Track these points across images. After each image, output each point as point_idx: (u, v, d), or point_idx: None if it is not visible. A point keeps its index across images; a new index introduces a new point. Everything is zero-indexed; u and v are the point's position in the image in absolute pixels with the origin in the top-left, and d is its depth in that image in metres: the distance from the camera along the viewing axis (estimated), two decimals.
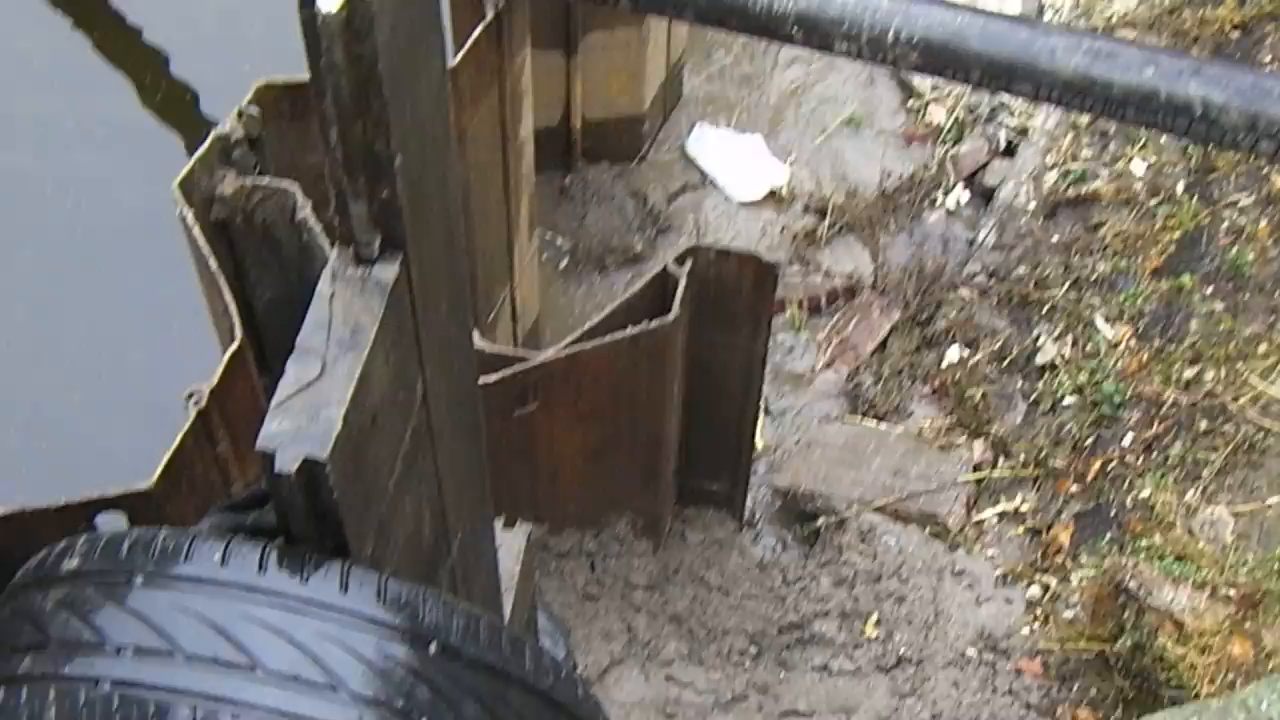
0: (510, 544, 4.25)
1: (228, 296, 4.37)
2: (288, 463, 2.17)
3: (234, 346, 4.35)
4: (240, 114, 4.75)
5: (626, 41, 8.43)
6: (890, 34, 5.40)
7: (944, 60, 5.38)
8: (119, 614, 2.31)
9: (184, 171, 4.53)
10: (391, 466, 2.56)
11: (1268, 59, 8.43)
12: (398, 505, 2.64)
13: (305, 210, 4.39)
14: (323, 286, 2.36)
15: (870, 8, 5.44)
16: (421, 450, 2.73)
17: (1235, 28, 8.88)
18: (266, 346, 4.68)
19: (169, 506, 4.08)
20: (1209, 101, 5.01)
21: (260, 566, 2.35)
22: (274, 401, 2.25)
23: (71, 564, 2.43)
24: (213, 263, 4.41)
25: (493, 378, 5.52)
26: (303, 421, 2.21)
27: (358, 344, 2.29)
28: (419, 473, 2.75)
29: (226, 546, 2.36)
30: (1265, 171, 7.69)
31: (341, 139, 2.17)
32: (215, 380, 4.31)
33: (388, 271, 2.35)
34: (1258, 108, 4.96)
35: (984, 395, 7.93)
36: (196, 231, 4.49)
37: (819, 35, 5.54)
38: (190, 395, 4.27)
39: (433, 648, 2.42)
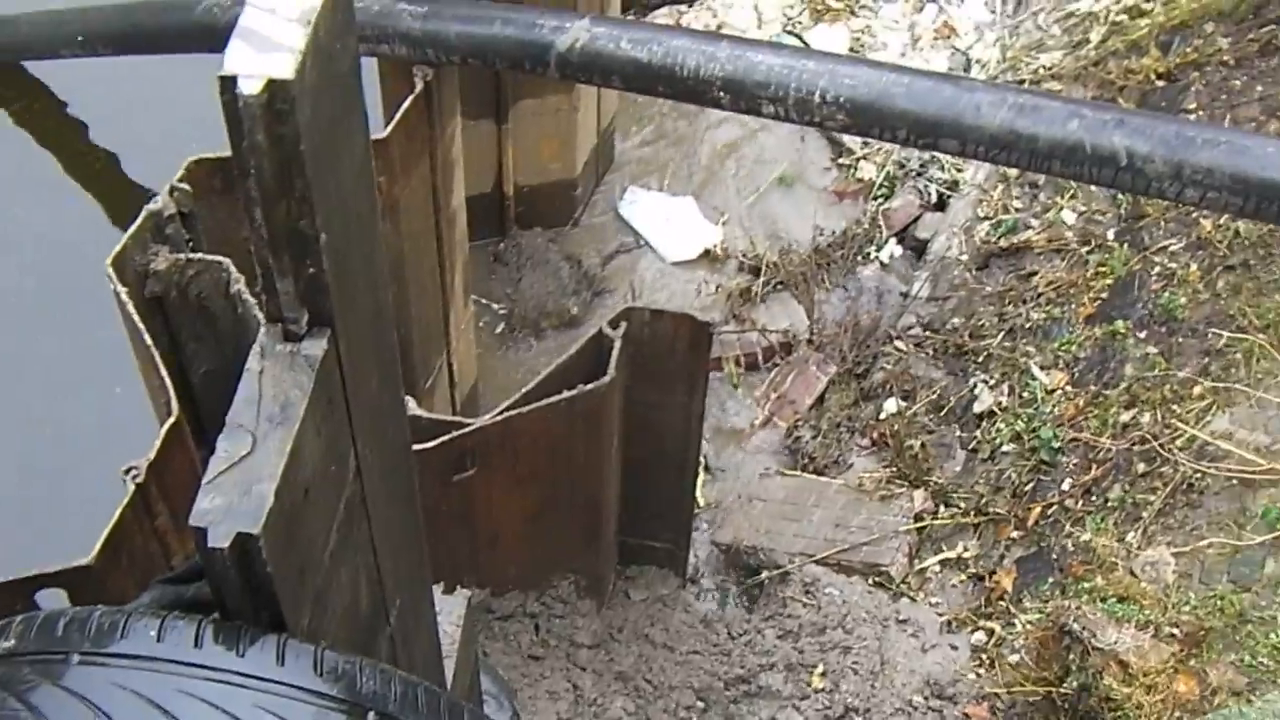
0: (450, 609, 4.25)
1: (163, 371, 4.38)
2: (220, 538, 2.19)
3: (171, 420, 4.36)
4: (172, 190, 4.77)
5: (557, 108, 8.48)
6: (816, 95, 5.48)
7: (870, 119, 5.46)
8: (56, 693, 2.31)
9: (117, 248, 4.55)
10: (326, 538, 2.58)
11: (1192, 106, 8.54)
12: (334, 576, 2.66)
13: (239, 284, 4.40)
14: (252, 363, 2.38)
15: (796, 70, 5.51)
16: (356, 521, 2.75)
17: (1160, 77, 8.99)
18: (204, 419, 4.68)
19: (109, 581, 4.09)
20: (1134, 151, 5.10)
21: (196, 642, 2.35)
22: (205, 478, 2.27)
23: (7, 644, 2.43)
24: (147, 338, 4.42)
25: (430, 444, 5.54)
26: (235, 497, 2.23)
27: (288, 419, 2.31)
28: (354, 543, 2.77)
29: (162, 623, 2.37)
30: (1194, 216, 7.78)
31: (266, 218, 2.19)
32: (153, 454, 4.32)
33: (316, 347, 2.37)
34: (1181, 156, 5.05)
35: (923, 445, 7.98)
36: (131, 308, 4.50)
37: (746, 99, 5.62)
38: (128, 470, 4.29)
39: (371, 717, 2.43)
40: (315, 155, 2.16)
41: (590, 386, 5.75)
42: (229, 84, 2.07)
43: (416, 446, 5.14)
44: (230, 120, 2.11)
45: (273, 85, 2.05)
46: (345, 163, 2.34)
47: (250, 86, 2.05)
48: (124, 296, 4.49)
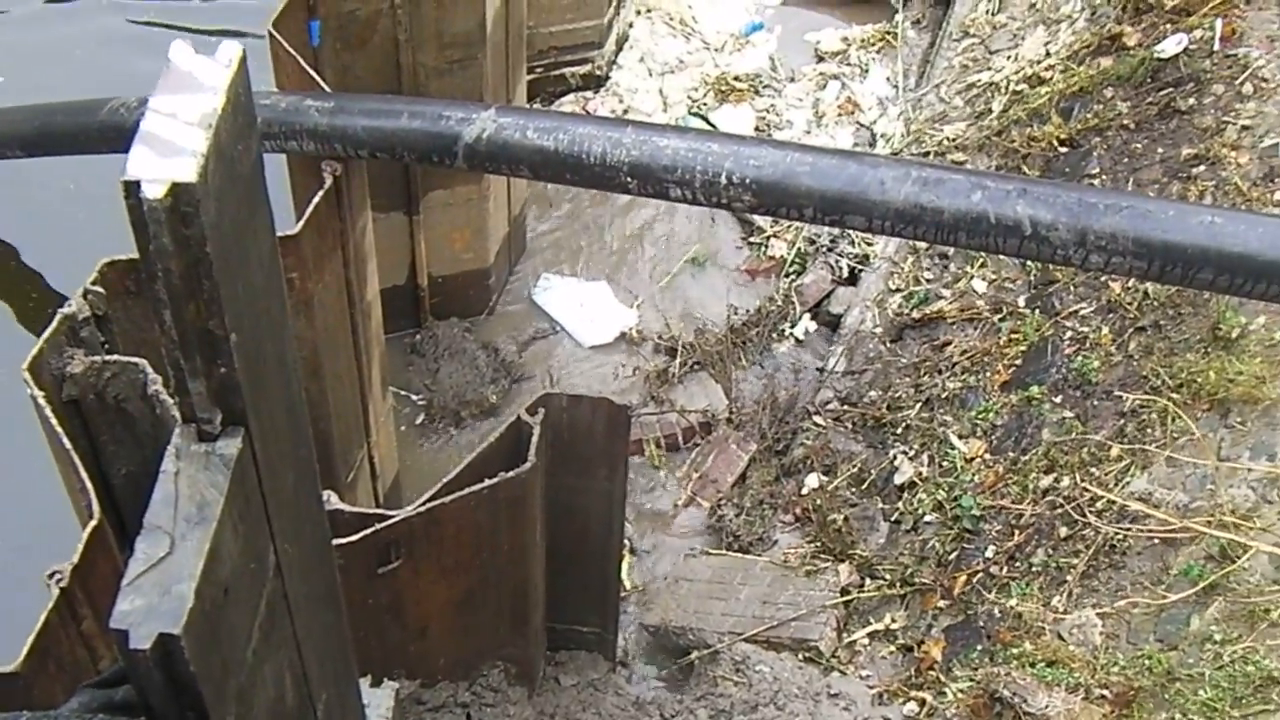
0: (379, 703, 4.25)
1: (83, 474, 4.36)
2: (142, 640, 2.19)
3: (93, 523, 4.34)
4: (86, 293, 4.76)
5: (468, 198, 8.52)
6: (723, 177, 5.53)
7: (777, 199, 5.51)
8: None
9: (33, 353, 4.53)
10: (248, 636, 2.57)
11: (1095, 170, 8.66)
12: (257, 673, 2.65)
13: (156, 385, 4.39)
14: (167, 464, 2.39)
15: (701, 153, 5.56)
16: (278, 618, 2.75)
17: (1062, 143, 9.12)
18: (127, 521, 4.66)
19: (37, 687, 4.05)
20: (1038, 220, 5.16)
21: None
22: (125, 580, 2.27)
23: None
24: (66, 442, 4.40)
25: (354, 537, 5.52)
26: (154, 598, 2.23)
27: (205, 519, 2.31)
28: (277, 640, 2.77)
29: None
30: (1104, 280, 7.88)
31: (176, 320, 2.20)
32: (76, 558, 4.29)
33: (231, 446, 2.38)
34: (1085, 223, 5.12)
35: (846, 519, 8.01)
36: (48, 412, 4.48)
37: (653, 183, 5.66)
38: (52, 574, 4.26)
39: None
40: (222, 256, 2.18)
41: (511, 474, 5.75)
42: (133, 188, 2.08)
43: (340, 540, 5.14)
44: (136, 224, 2.12)
45: (176, 189, 2.07)
46: (253, 262, 2.36)
47: (154, 191, 2.06)
48: (41, 401, 4.47)
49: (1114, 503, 6.86)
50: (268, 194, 2.46)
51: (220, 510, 2.34)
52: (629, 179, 5.69)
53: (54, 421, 4.47)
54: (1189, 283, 5.15)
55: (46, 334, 4.59)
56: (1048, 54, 10.05)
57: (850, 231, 9.54)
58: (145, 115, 2.15)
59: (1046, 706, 6.17)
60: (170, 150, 2.09)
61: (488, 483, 5.73)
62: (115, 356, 4.51)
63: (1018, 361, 8.12)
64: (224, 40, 2.21)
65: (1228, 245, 4.96)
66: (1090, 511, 6.95)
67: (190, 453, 2.39)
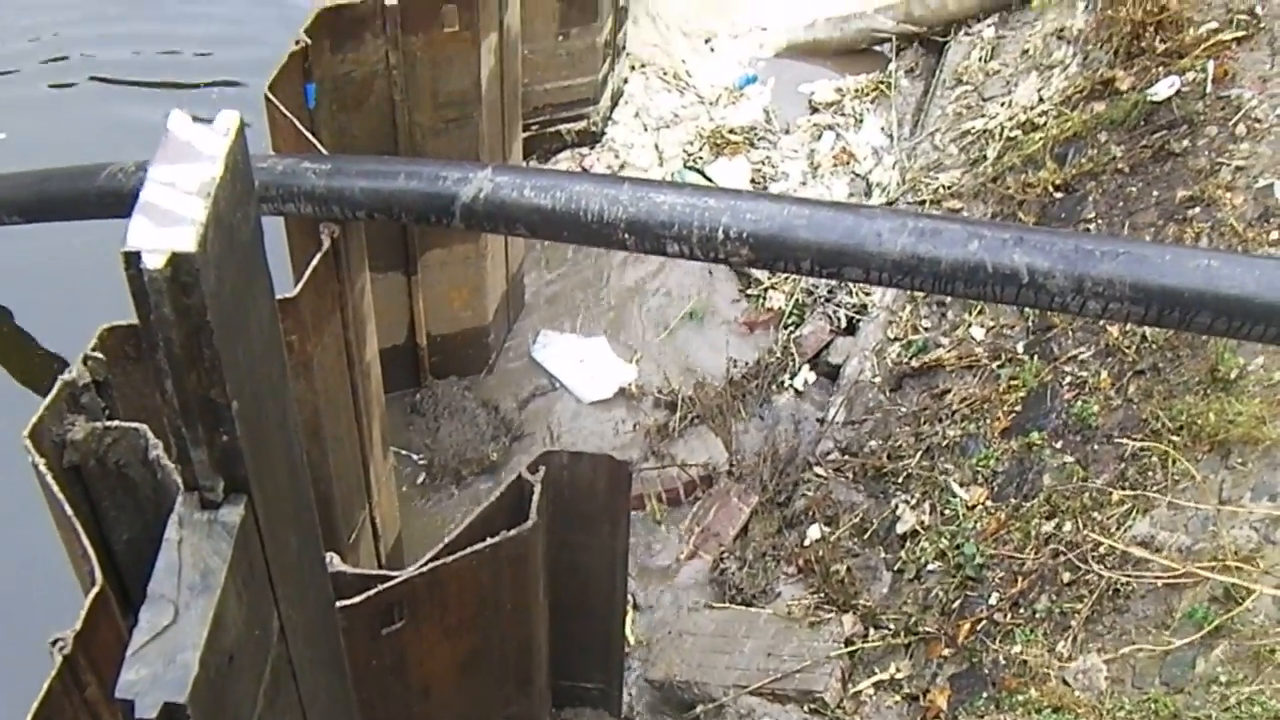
0: None
1: (85, 540, 4.35)
2: (147, 709, 2.19)
3: (95, 590, 4.33)
4: (85, 359, 4.77)
5: (465, 256, 8.54)
6: (720, 232, 5.53)
7: (774, 253, 5.52)
8: None
9: (33, 420, 4.53)
10: (253, 702, 2.58)
11: (1091, 215, 8.68)
12: None
13: (157, 449, 4.39)
14: (170, 532, 2.40)
15: (698, 208, 5.58)
16: (282, 683, 2.75)
17: (1058, 189, 9.14)
18: (129, 587, 4.66)
19: None
20: (1034, 268, 5.17)
21: None
22: (130, 650, 2.28)
23: None
24: (67, 508, 4.40)
25: (357, 599, 5.51)
26: (159, 668, 2.24)
27: (209, 587, 2.32)
28: (282, 705, 2.77)
29: None
30: (1101, 324, 7.88)
31: (177, 389, 2.21)
32: (79, 625, 4.28)
33: (233, 514, 2.39)
34: (1082, 270, 5.12)
35: (849, 569, 7.99)
36: (50, 478, 4.47)
37: (650, 239, 5.67)
38: (55, 642, 4.24)
39: None
40: (222, 324, 2.19)
41: (513, 532, 5.75)
42: (133, 259, 2.10)
43: (343, 602, 5.13)
44: (136, 294, 2.13)
45: (176, 258, 2.08)
46: (253, 329, 2.37)
47: (154, 261, 2.08)
48: (42, 467, 4.47)
49: (1116, 548, 6.86)
50: (266, 260, 2.47)
51: (224, 578, 2.34)
52: (626, 235, 5.70)
53: (55, 488, 4.46)
54: (1187, 327, 5.15)
55: (47, 400, 4.59)
56: (1041, 100, 10.08)
57: (848, 283, 9.56)
58: (144, 185, 2.16)
59: None
60: (169, 220, 2.10)
61: (490, 542, 5.73)
62: (116, 422, 4.52)
63: (1017, 408, 8.11)
64: (222, 110, 2.23)
65: (1224, 288, 4.96)
66: (1093, 557, 6.93)
67: (193, 521, 2.40)
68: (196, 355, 2.20)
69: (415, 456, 8.96)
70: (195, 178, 2.15)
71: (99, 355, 4.83)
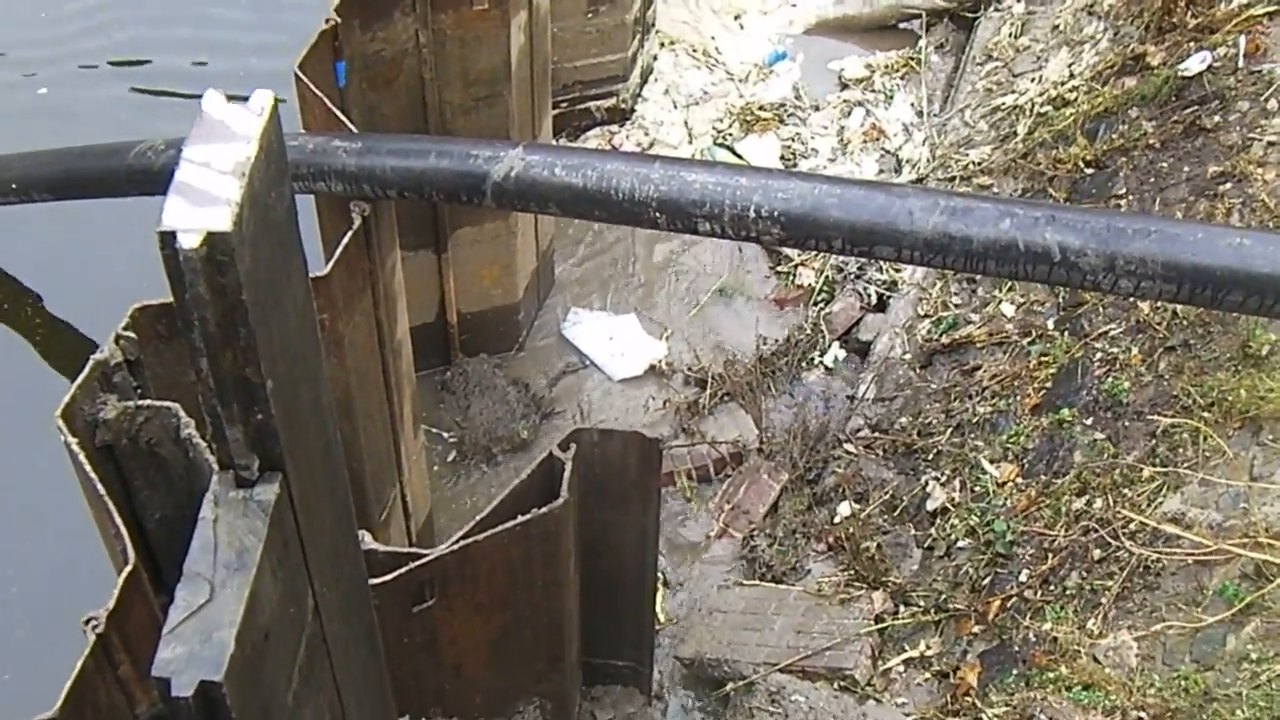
0: None
1: (118, 519, 4.37)
2: (184, 687, 2.20)
3: (128, 569, 4.34)
4: (117, 339, 4.78)
5: (495, 234, 8.55)
6: (751, 211, 5.53)
7: (806, 231, 5.51)
8: None
9: (65, 400, 4.54)
10: (289, 679, 2.59)
11: (1122, 191, 8.65)
12: (298, 717, 2.67)
13: (189, 428, 4.40)
14: (205, 511, 2.41)
15: (729, 187, 5.57)
16: (317, 661, 2.76)
17: (1088, 164, 9.11)
18: (162, 565, 4.67)
19: None
20: (1066, 246, 5.15)
21: None
22: (166, 627, 2.28)
23: None
24: (100, 487, 4.41)
25: (389, 577, 5.53)
26: (196, 645, 2.24)
27: (244, 565, 2.33)
28: (317, 683, 2.78)
29: None
30: (1132, 301, 7.85)
31: (212, 368, 2.22)
32: (112, 603, 4.30)
33: (268, 492, 2.39)
34: (1114, 248, 5.10)
35: (879, 546, 7.99)
36: (82, 458, 4.49)
37: (682, 218, 5.67)
38: (88, 620, 4.26)
39: None
40: (257, 303, 2.19)
41: (545, 510, 5.75)
42: (168, 239, 2.10)
43: (375, 580, 5.15)
44: (171, 274, 2.14)
45: (211, 238, 2.09)
46: (288, 308, 2.38)
47: (189, 240, 2.08)
48: (74, 447, 4.48)
49: (1147, 524, 6.84)
50: (301, 239, 2.47)
51: (259, 556, 2.35)
52: (658, 214, 5.70)
53: (88, 468, 4.48)
54: (1219, 305, 5.13)
55: (79, 380, 4.61)
56: (1071, 75, 10.05)
57: (879, 261, 9.54)
58: (180, 165, 2.17)
59: None
60: (205, 200, 2.11)
61: (521, 519, 5.74)
62: (148, 401, 4.53)
63: (1048, 384, 8.10)
64: (256, 89, 2.23)
65: (1257, 266, 4.94)
66: (1123, 534, 6.92)
67: (228, 499, 2.40)
68: (231, 334, 2.20)
69: (446, 434, 8.98)
70: (230, 157, 2.16)
71: (130, 334, 4.84)
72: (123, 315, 5.11)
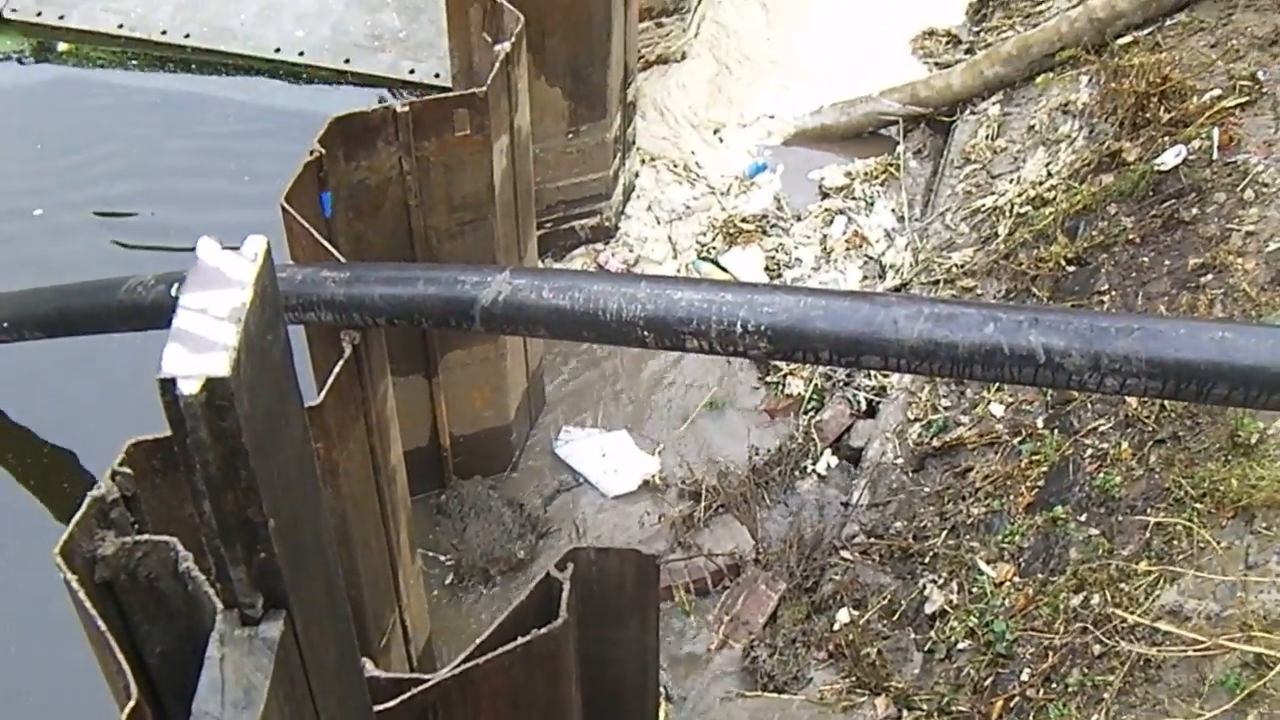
0: None
1: (119, 655, 4.38)
2: None
3: (130, 704, 4.35)
4: (114, 475, 4.81)
5: (485, 357, 8.60)
6: (738, 326, 5.59)
7: (793, 344, 5.57)
8: None
9: (63, 537, 4.57)
10: None
11: (1104, 287, 8.72)
12: None
13: (188, 562, 4.42)
14: (212, 650, 2.44)
15: (715, 303, 5.63)
16: None
17: (1070, 262, 9.19)
18: (164, 699, 4.68)
19: None
20: (1051, 348, 5.21)
21: None
22: None
23: None
24: (100, 623, 4.43)
25: (391, 703, 5.53)
26: None
27: (252, 702, 2.36)
28: None
29: None
30: (1120, 396, 7.91)
31: (214, 510, 2.26)
32: None
33: (274, 629, 2.43)
34: (1098, 347, 5.16)
35: (879, 652, 8.00)
36: (82, 595, 4.51)
37: (670, 336, 5.73)
38: None
39: None
40: (257, 445, 2.24)
41: (544, 630, 5.76)
42: (169, 386, 2.15)
43: (377, 707, 5.16)
44: (172, 420, 2.19)
45: (211, 383, 2.14)
46: (287, 448, 2.42)
47: (189, 387, 2.13)
48: (74, 584, 4.50)
49: (1146, 615, 6.86)
50: (296, 379, 2.52)
51: (266, 693, 2.38)
52: (646, 333, 5.76)
53: (88, 604, 4.50)
54: (1205, 399, 5.18)
55: (77, 517, 4.64)
56: (1049, 175, 10.16)
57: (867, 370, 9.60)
58: (178, 312, 2.22)
59: None
60: (203, 346, 2.16)
61: (520, 641, 5.74)
62: (146, 536, 4.56)
63: (1040, 482, 8.13)
64: (250, 235, 2.29)
65: (1240, 359, 5.00)
66: (1122, 629, 6.94)
67: (234, 638, 2.44)
68: (233, 476, 2.24)
69: (443, 558, 8.99)
70: (226, 303, 2.21)
71: (126, 470, 4.87)
72: (118, 451, 5.15)
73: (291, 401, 2.49)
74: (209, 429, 2.17)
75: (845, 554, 8.67)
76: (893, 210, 11.23)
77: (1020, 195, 10.23)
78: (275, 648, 2.43)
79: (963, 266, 10.09)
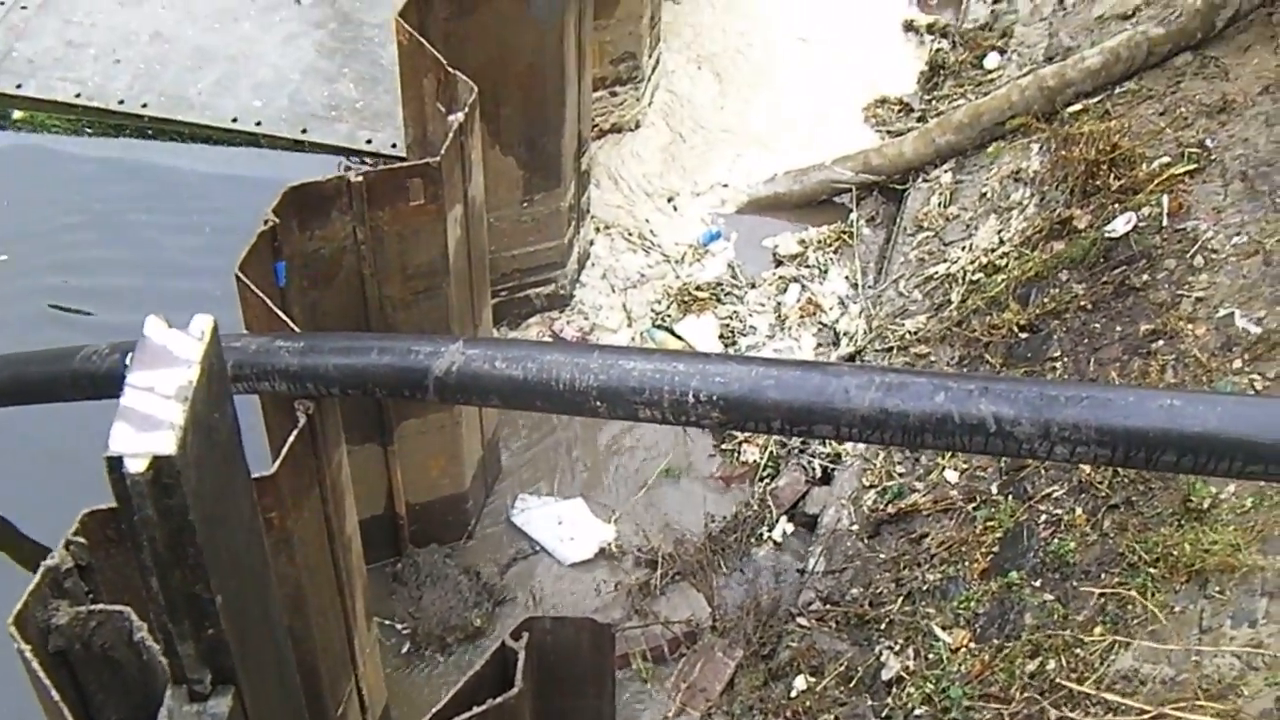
0: None
1: None
2: None
3: None
4: (68, 544, 4.80)
5: (441, 425, 8.60)
6: (690, 396, 5.60)
7: (745, 413, 5.59)
8: None
9: (18, 607, 4.55)
10: None
11: (1056, 353, 8.78)
12: None
13: (142, 631, 4.41)
14: None
15: (668, 373, 5.65)
16: None
17: (1022, 329, 9.25)
18: None
19: None
20: (1001, 417, 5.24)
21: None
22: None
23: None
24: (54, 693, 4.41)
25: None
26: None
27: None
28: None
29: None
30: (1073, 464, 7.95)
31: (162, 586, 2.26)
32: None
33: (222, 705, 2.43)
34: (1047, 415, 5.20)
35: (836, 719, 7.99)
36: (36, 665, 4.50)
37: (623, 406, 5.74)
38: None
39: None
40: (204, 521, 2.25)
41: (500, 699, 5.74)
42: (116, 463, 2.16)
43: None
44: (119, 497, 2.20)
45: (157, 462, 2.15)
46: (234, 523, 2.43)
47: (136, 465, 2.14)
48: (28, 654, 4.49)
49: (1101, 680, 6.88)
50: (244, 455, 2.53)
51: None
52: (599, 403, 5.77)
53: (42, 674, 4.49)
54: (1154, 466, 5.21)
55: (30, 587, 4.63)
56: (1001, 242, 10.22)
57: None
58: (125, 391, 2.23)
59: None
60: (150, 424, 2.17)
61: (476, 710, 5.73)
62: (100, 605, 4.55)
63: (995, 548, 8.16)
64: (196, 314, 2.30)
65: (1188, 426, 5.03)
66: (1078, 696, 6.95)
67: (183, 714, 2.44)
68: (180, 553, 2.25)
69: (399, 626, 8.96)
70: (173, 382, 2.22)
71: (80, 540, 4.87)
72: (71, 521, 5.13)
73: (239, 477, 2.50)
74: (156, 507, 2.17)
75: (802, 621, 8.67)
76: (846, 277, 11.28)
77: (973, 262, 10.29)
78: None
79: (916, 333, 10.14)
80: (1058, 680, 7.04)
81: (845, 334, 10.68)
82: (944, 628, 7.99)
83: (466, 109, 7.78)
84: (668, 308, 11.05)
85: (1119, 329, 8.52)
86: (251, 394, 6.68)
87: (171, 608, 2.28)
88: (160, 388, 2.21)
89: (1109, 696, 6.71)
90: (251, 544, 2.53)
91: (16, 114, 12.20)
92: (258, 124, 11.67)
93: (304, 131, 11.66)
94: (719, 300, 11.13)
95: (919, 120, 12.63)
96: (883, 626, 8.33)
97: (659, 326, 10.86)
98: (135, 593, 4.74)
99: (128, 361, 2.29)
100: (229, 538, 2.37)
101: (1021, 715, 7.20)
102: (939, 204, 11.23)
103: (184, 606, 2.30)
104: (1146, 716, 6.51)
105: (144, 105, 11.75)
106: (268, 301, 6.68)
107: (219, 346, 2.34)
